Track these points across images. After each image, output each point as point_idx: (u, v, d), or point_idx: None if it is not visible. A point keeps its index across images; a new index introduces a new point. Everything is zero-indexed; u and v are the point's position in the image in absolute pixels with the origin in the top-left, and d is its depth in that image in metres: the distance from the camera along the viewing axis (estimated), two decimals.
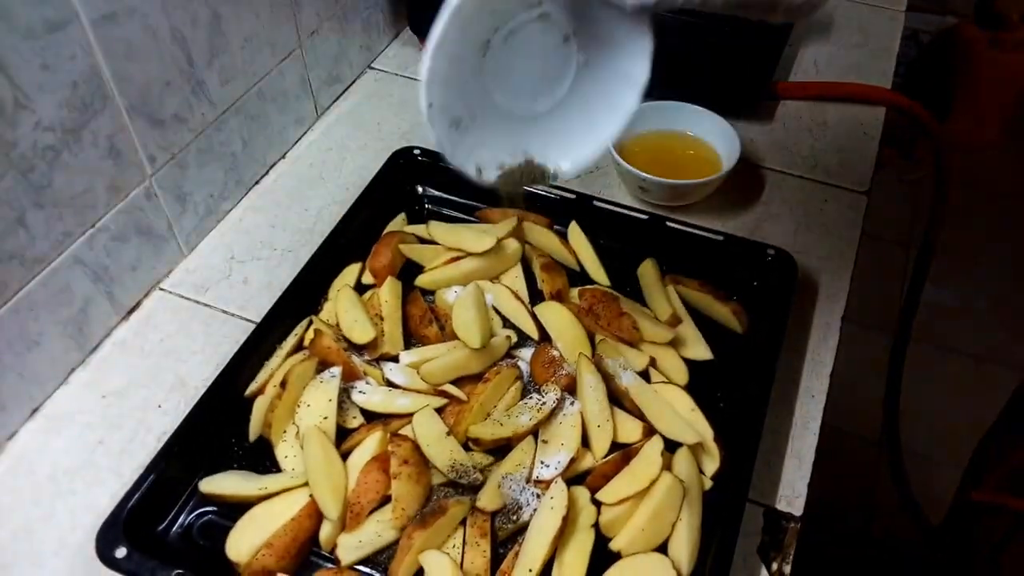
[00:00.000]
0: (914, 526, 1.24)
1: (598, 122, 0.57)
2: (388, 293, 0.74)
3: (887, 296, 1.97)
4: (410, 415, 0.66)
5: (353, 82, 1.03)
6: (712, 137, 0.88)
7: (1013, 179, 2.30)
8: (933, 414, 1.76)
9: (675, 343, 0.71)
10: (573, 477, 0.64)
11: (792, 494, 0.66)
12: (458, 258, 0.76)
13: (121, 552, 0.57)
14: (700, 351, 0.72)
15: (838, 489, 1.62)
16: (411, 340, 0.74)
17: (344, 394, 0.67)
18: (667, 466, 0.62)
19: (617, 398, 0.68)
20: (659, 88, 0.93)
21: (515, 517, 0.61)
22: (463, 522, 0.61)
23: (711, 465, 0.64)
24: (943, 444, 1.71)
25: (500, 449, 0.65)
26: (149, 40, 0.70)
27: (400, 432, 0.65)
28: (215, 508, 0.63)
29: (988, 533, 1.05)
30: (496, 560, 0.59)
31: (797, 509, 0.65)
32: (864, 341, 1.83)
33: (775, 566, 0.62)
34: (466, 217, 0.84)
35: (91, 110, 0.66)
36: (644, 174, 0.81)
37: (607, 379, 0.67)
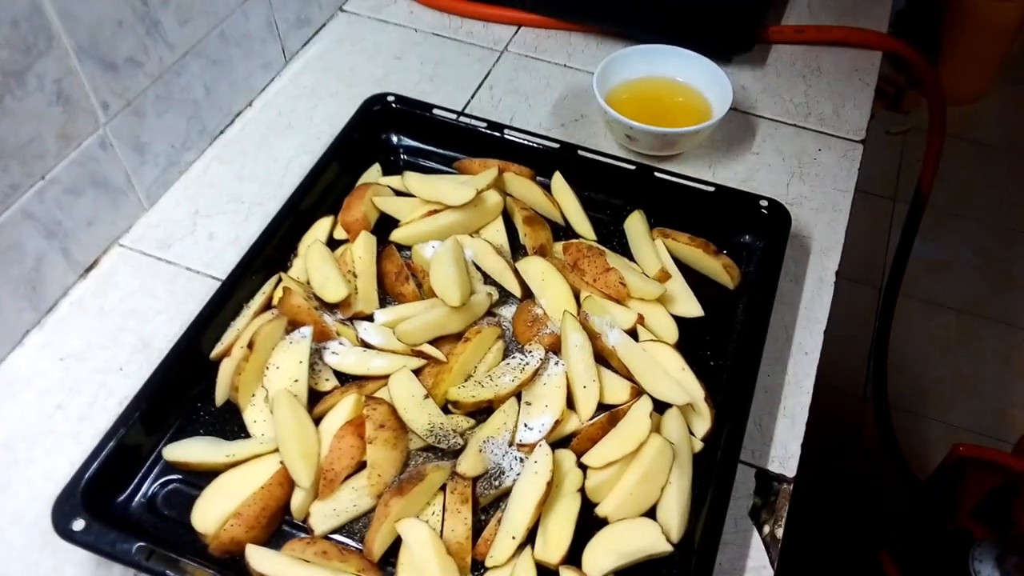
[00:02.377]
0: (901, 481, 1.23)
1: None
2: (362, 249, 0.70)
3: (870, 250, 1.95)
4: (386, 377, 0.63)
5: (323, 25, 0.97)
6: (702, 83, 0.84)
7: (1000, 130, 2.27)
8: (917, 368, 1.76)
9: (664, 299, 0.68)
10: (558, 440, 0.61)
11: (785, 455, 0.63)
12: (435, 211, 0.72)
13: (79, 524, 0.54)
14: (690, 307, 0.69)
15: (823, 445, 1.62)
16: (386, 298, 0.70)
17: (316, 355, 0.64)
18: (656, 428, 0.59)
19: (604, 357, 0.65)
20: (646, 31, 0.90)
21: (497, 482, 0.58)
22: (443, 488, 0.58)
23: (702, 426, 0.62)
24: (927, 398, 1.71)
25: (481, 412, 0.62)
26: None
27: (375, 395, 0.62)
28: (180, 476, 0.60)
29: (974, 487, 1.04)
30: (478, 527, 0.57)
31: (790, 470, 0.63)
32: (847, 294, 1.81)
33: (767, 529, 0.60)
34: (444, 168, 0.80)
35: (35, 51, 0.61)
36: (632, 122, 0.77)
37: (593, 338, 0.64)
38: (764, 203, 0.73)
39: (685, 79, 0.85)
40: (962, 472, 1.02)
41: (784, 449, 0.64)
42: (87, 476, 0.56)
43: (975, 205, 2.08)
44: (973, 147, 2.23)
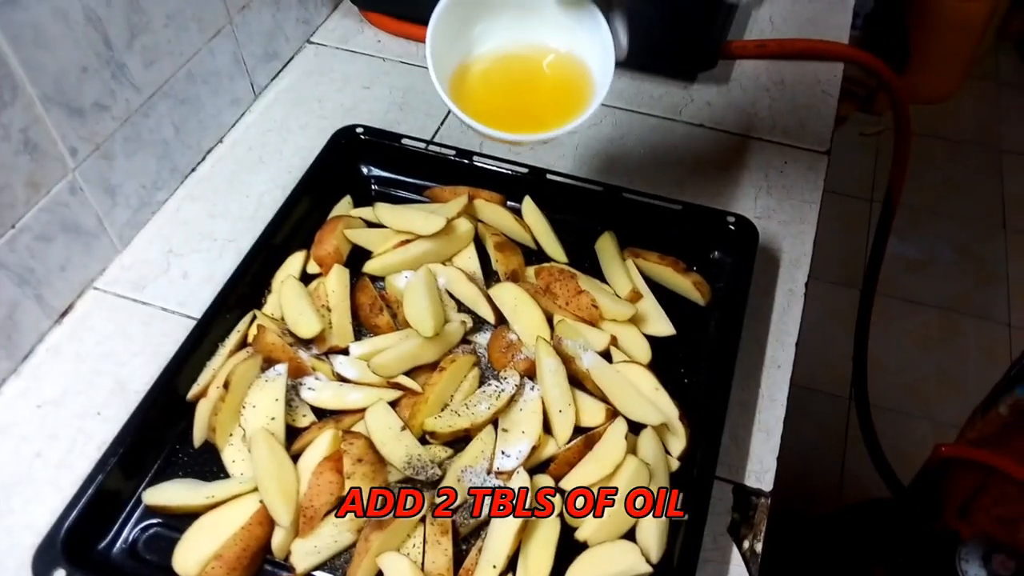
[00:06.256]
0: (884, 482, 1.24)
1: None
2: (335, 282, 0.70)
3: (849, 251, 1.97)
4: (363, 410, 0.63)
5: (292, 58, 0.98)
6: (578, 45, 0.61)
7: (973, 128, 2.30)
8: (898, 367, 1.78)
9: (636, 320, 0.69)
10: (536, 466, 0.61)
11: (761, 469, 0.64)
12: (407, 241, 0.73)
13: (60, 575, 0.54)
14: (662, 327, 0.70)
15: (804, 448, 1.62)
16: (362, 331, 0.70)
17: (292, 392, 0.64)
18: (632, 449, 0.60)
19: (578, 380, 0.65)
20: None
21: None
22: (422, 520, 0.58)
23: (677, 445, 0.62)
24: (912, 397, 1.73)
25: (459, 441, 0.63)
26: (60, 23, 0.64)
27: (353, 429, 0.62)
28: (161, 520, 0.60)
29: (958, 487, 1.05)
30: (459, 558, 0.57)
31: (767, 484, 0.63)
32: (827, 296, 1.83)
33: (746, 544, 0.60)
34: (415, 197, 0.81)
35: None
36: (481, 126, 0.55)
37: (567, 361, 0.65)
38: (731, 219, 0.74)
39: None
40: (945, 472, 1.03)
41: (760, 463, 0.64)
42: (67, 525, 0.56)
43: (951, 202, 2.10)
44: (946, 145, 2.26)
